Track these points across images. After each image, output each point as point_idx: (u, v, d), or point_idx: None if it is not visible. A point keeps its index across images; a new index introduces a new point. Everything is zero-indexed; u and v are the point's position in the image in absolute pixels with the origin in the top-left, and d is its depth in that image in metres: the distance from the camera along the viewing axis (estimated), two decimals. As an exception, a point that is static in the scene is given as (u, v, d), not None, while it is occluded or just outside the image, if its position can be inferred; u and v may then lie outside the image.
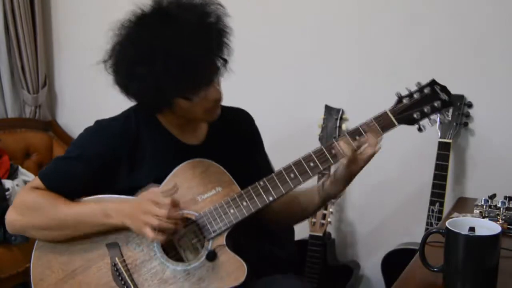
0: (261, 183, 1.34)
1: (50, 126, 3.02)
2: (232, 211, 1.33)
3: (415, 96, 1.34)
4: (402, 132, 2.17)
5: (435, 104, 1.33)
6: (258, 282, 1.39)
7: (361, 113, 2.26)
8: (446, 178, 2.01)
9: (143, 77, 1.24)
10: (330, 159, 1.32)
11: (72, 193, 1.39)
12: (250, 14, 2.45)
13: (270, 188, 1.33)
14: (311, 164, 1.32)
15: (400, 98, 1.35)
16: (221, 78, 1.34)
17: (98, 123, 1.44)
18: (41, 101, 2.98)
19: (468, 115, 2.06)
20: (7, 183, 2.42)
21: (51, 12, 3.01)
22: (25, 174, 2.63)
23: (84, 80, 2.98)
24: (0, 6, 2.75)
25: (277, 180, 1.33)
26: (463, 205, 1.95)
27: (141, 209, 1.29)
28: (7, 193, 2.37)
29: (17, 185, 2.47)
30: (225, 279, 1.31)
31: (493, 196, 1.59)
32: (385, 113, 1.34)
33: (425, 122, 1.35)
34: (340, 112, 2.23)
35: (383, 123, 1.33)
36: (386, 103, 2.22)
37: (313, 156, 1.33)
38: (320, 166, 1.32)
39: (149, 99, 1.31)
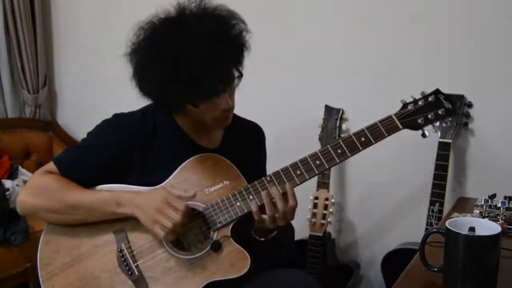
0: (268, 178, 1.37)
1: (50, 126, 3.03)
2: (238, 203, 1.37)
3: (420, 103, 1.40)
4: (402, 132, 2.17)
5: (439, 111, 1.39)
6: (262, 275, 1.41)
7: (361, 113, 2.29)
8: (446, 178, 2.01)
9: (151, 78, 1.30)
10: (336, 157, 1.37)
11: (84, 181, 1.42)
12: (250, 14, 2.44)
13: (277, 184, 1.36)
14: (317, 162, 1.37)
15: (405, 105, 1.41)
16: (234, 89, 1.39)
17: (116, 116, 1.47)
18: (41, 101, 2.98)
19: (468, 115, 2.06)
20: (7, 183, 2.42)
21: (51, 12, 3.02)
22: (25, 174, 2.63)
23: (84, 80, 2.98)
24: (0, 6, 2.76)
25: (283, 176, 1.37)
26: (463, 205, 1.94)
27: (155, 206, 1.32)
28: (7, 193, 2.37)
29: (17, 185, 2.47)
30: (229, 270, 1.33)
31: (493, 196, 1.59)
32: (390, 116, 1.39)
33: (428, 128, 1.41)
34: (340, 112, 2.23)
35: (388, 126, 1.38)
36: (386, 103, 2.22)
37: (319, 154, 1.37)
38: (325, 164, 1.37)
39: (158, 101, 1.38)
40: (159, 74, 1.27)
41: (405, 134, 2.15)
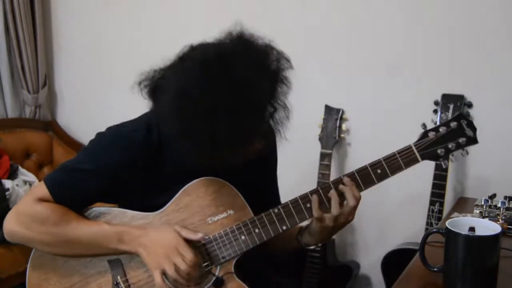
0: (276, 210, 1.29)
1: (50, 126, 3.02)
2: (243, 238, 1.29)
3: (441, 130, 1.30)
4: (402, 132, 2.17)
5: (460, 140, 1.29)
6: None
7: (361, 113, 2.29)
8: (446, 178, 2.01)
9: (197, 135, 1.09)
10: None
11: (79, 206, 1.33)
12: (250, 14, 2.45)
13: (285, 217, 1.28)
14: (329, 195, 1.28)
15: (426, 132, 1.31)
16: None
17: (114, 131, 1.31)
18: (41, 101, 2.98)
19: (468, 115, 2.06)
20: (7, 183, 2.42)
21: (51, 12, 3.02)
22: (25, 174, 2.63)
23: (84, 80, 2.98)
24: (0, 6, 2.75)
25: (292, 209, 1.28)
26: (463, 205, 1.95)
27: (163, 251, 1.24)
28: (7, 193, 2.37)
29: (17, 185, 2.47)
30: None
31: (493, 196, 1.59)
32: (410, 148, 1.30)
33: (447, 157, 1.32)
34: (340, 112, 2.23)
35: (407, 158, 1.29)
36: (386, 103, 2.24)
37: (331, 185, 1.29)
38: (337, 198, 1.28)
39: (196, 155, 1.16)
40: (207, 132, 1.08)
41: (405, 134, 2.16)
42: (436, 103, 2.06)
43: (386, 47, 2.22)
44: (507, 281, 1.21)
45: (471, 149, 2.11)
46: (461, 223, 1.20)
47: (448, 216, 1.69)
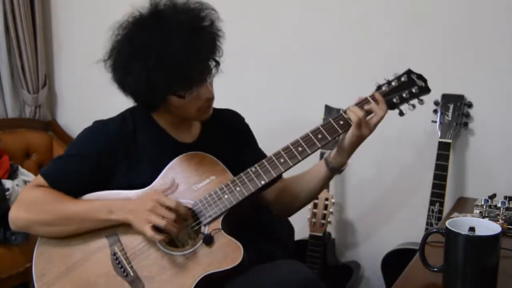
0: (253, 168, 1.41)
1: (50, 126, 3.03)
2: (226, 196, 1.39)
3: (393, 83, 1.44)
4: (402, 132, 2.17)
5: (413, 89, 1.43)
6: (258, 266, 1.40)
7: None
8: (446, 178, 2.01)
9: (137, 72, 1.32)
10: (317, 142, 1.41)
11: (73, 191, 1.44)
12: (250, 14, 2.45)
13: (262, 173, 1.40)
14: (299, 148, 1.41)
15: (379, 87, 1.46)
16: (213, 78, 1.42)
17: (96, 123, 1.50)
18: (41, 101, 2.98)
19: (468, 115, 2.06)
20: (7, 183, 2.42)
21: (51, 12, 3.02)
22: (25, 174, 2.63)
23: (84, 80, 2.98)
24: (0, 6, 2.76)
25: (267, 165, 1.40)
26: (463, 205, 1.95)
27: (146, 207, 1.34)
28: (7, 193, 2.37)
29: (17, 185, 2.47)
30: (223, 261, 1.34)
31: (493, 196, 1.59)
32: (366, 98, 1.44)
33: (405, 107, 1.44)
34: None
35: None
36: (386, 103, 2.23)
37: (301, 141, 1.41)
38: (308, 150, 1.41)
39: (143, 94, 1.39)
40: (144, 68, 1.31)
41: (405, 134, 2.16)
42: (436, 103, 2.06)
43: (386, 47, 2.22)
44: (507, 281, 1.21)
45: (471, 149, 2.14)
46: (461, 223, 1.20)
47: (448, 216, 1.70)
